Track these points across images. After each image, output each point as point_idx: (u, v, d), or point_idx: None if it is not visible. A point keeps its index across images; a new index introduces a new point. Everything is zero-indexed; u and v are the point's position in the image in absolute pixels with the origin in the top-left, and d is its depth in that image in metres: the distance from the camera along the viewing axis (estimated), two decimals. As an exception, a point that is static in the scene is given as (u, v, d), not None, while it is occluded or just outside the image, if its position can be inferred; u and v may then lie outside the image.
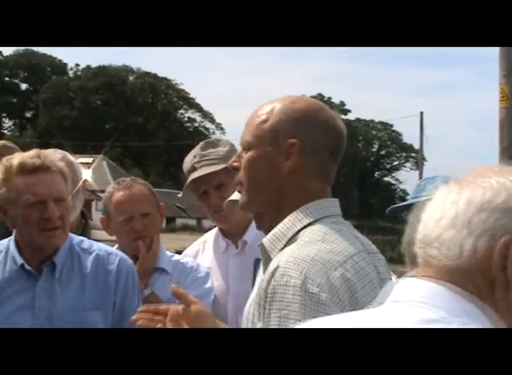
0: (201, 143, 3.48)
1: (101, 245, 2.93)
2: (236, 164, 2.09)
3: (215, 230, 3.57)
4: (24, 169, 2.68)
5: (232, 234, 3.44)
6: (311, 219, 1.97)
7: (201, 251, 3.58)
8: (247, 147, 2.05)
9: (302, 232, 1.96)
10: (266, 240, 2.01)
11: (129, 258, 2.92)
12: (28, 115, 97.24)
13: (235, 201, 2.78)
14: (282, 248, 1.95)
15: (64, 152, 3.64)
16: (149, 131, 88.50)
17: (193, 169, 3.38)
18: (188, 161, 3.44)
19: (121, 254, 2.90)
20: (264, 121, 2.04)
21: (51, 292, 2.73)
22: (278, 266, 1.84)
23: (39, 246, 2.74)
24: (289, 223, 1.98)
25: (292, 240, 1.96)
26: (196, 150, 3.44)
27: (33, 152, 2.76)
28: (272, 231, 2.01)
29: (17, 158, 2.73)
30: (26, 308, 2.71)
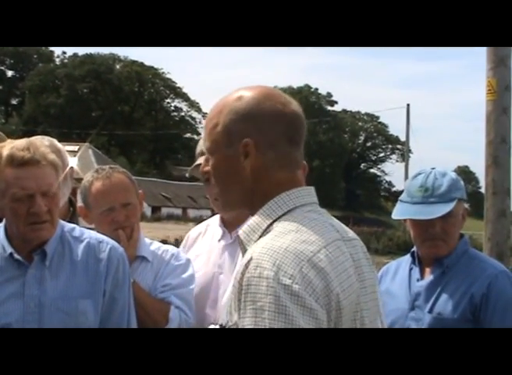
0: None
1: (92, 233, 2.90)
2: (206, 169, 2.12)
3: (219, 216, 3.55)
4: (13, 162, 2.64)
5: (230, 224, 3.43)
6: (286, 210, 1.97)
7: (202, 235, 3.58)
8: (209, 152, 2.09)
9: (276, 223, 1.95)
10: (242, 232, 2.01)
11: (120, 247, 2.90)
12: (14, 102, 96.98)
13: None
14: (258, 240, 1.95)
15: (51, 139, 3.61)
16: (135, 120, 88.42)
17: (201, 154, 3.36)
18: (200, 144, 3.41)
19: (112, 242, 2.88)
20: (216, 125, 2.04)
21: (42, 280, 2.71)
22: (251, 258, 1.84)
23: (27, 238, 2.72)
24: (264, 214, 1.98)
25: (267, 231, 1.95)
26: None
27: (24, 143, 2.70)
28: (247, 223, 2.01)
29: (7, 148, 2.68)
30: (17, 296, 2.68)
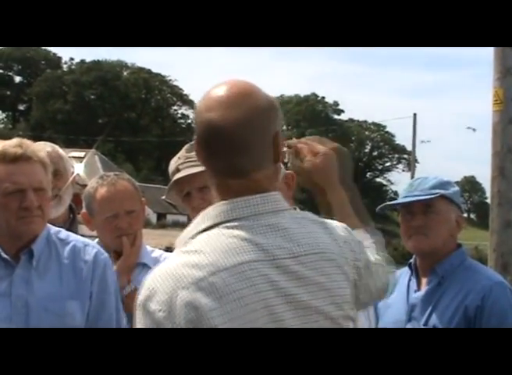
0: (187, 145, 3.45)
1: (79, 237, 2.94)
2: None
3: None
4: (5, 158, 2.68)
5: None
6: (209, 224, 1.87)
7: None
8: None
9: (197, 236, 1.87)
10: (178, 240, 1.95)
11: (104, 252, 2.92)
12: (21, 108, 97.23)
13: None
14: None
15: (53, 145, 3.63)
16: (142, 127, 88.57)
17: (177, 170, 3.36)
18: (173, 163, 3.42)
19: (98, 247, 2.91)
20: None
21: (29, 280, 2.72)
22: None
23: (17, 233, 2.73)
24: (193, 225, 1.91)
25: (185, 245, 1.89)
26: (181, 152, 3.41)
27: (15, 141, 2.75)
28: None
29: None
30: (4, 296, 2.69)
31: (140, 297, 1.81)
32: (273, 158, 1.93)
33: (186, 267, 1.78)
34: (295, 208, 2.82)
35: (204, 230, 1.86)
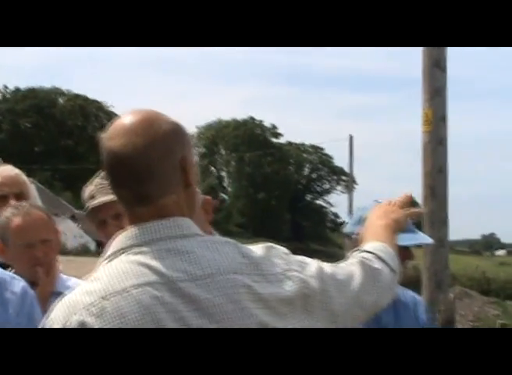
0: (101, 172, 3.43)
1: (1, 269, 2.93)
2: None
3: None
4: None
5: None
6: (112, 251, 1.89)
7: None
8: None
9: (102, 264, 1.90)
10: None
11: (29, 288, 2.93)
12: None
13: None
14: None
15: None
16: (79, 154, 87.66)
17: (91, 197, 3.35)
18: (87, 190, 3.40)
19: (23, 281, 2.91)
20: None
21: None
22: None
23: None
24: (104, 253, 1.93)
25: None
26: (96, 179, 3.40)
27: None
28: None
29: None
30: None
31: (39, 326, 1.87)
32: (183, 183, 1.93)
33: (80, 294, 1.82)
34: (211, 233, 2.80)
35: (109, 256, 1.88)
